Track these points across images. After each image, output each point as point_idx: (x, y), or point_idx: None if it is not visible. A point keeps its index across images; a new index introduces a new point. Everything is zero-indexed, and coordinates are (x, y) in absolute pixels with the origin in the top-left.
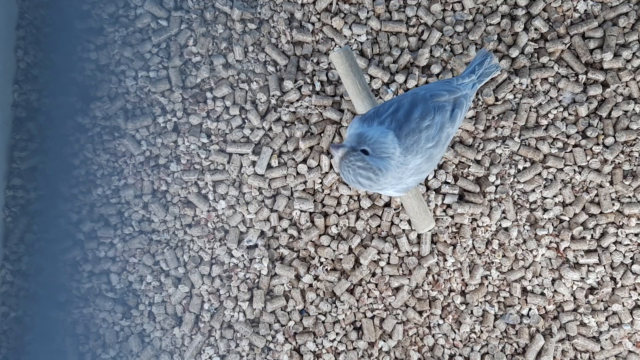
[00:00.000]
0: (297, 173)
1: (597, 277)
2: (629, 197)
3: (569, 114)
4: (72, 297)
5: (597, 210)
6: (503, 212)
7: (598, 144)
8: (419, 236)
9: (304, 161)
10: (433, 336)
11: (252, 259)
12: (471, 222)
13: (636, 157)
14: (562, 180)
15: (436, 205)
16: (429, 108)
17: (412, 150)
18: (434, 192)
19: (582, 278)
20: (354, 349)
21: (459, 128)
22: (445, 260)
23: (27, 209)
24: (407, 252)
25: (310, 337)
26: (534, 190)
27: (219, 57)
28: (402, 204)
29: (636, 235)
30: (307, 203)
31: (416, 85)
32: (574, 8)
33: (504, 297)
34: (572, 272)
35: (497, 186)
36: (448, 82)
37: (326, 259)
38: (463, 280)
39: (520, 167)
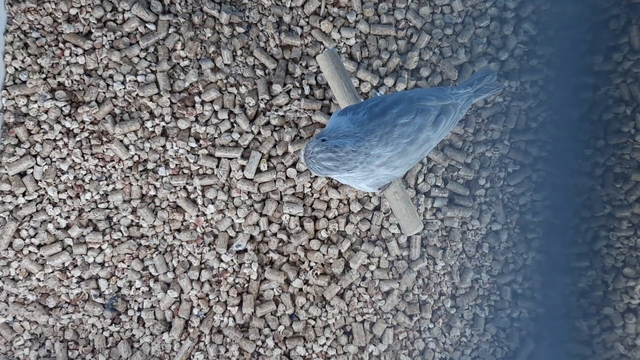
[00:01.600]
0: (287, 177)
1: (589, 281)
2: (620, 199)
3: (559, 117)
4: (61, 303)
5: (588, 213)
6: (493, 215)
7: (589, 147)
8: (408, 240)
9: (293, 165)
10: (424, 340)
11: (242, 264)
12: (461, 226)
13: (627, 160)
14: (553, 183)
15: (426, 209)
16: (411, 108)
17: (381, 139)
18: (423, 196)
19: (574, 281)
20: (344, 353)
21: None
22: (436, 264)
23: (16, 214)
24: (397, 256)
25: (300, 341)
26: (523, 193)
27: (208, 61)
28: (391, 208)
29: (627, 238)
30: (297, 207)
31: (405, 89)
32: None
33: (495, 301)
34: (563, 276)
35: (487, 189)
36: (441, 89)
37: (316, 263)
38: (453, 283)
39: (510, 170)
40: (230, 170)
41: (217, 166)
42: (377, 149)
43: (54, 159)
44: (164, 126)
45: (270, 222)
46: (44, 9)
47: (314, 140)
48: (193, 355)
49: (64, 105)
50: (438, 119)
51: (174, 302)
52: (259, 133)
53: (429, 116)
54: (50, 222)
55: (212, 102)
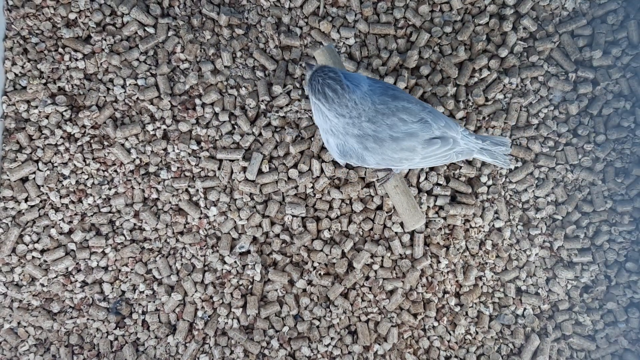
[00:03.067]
0: (288, 178)
1: (592, 276)
2: (622, 194)
3: (560, 113)
4: (65, 308)
5: (589, 208)
6: (495, 212)
7: (589, 142)
8: (411, 239)
9: (295, 166)
10: (428, 338)
11: (245, 265)
12: (464, 223)
13: (628, 155)
14: (554, 179)
15: (428, 207)
16: (418, 113)
17: (375, 116)
18: (425, 194)
19: (577, 277)
20: (349, 353)
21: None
22: (439, 262)
23: (18, 220)
24: (400, 255)
25: (305, 342)
26: (526, 190)
27: (207, 63)
28: (393, 207)
29: (629, 232)
30: (299, 208)
31: (406, 87)
32: (562, 6)
33: (499, 298)
34: (566, 271)
35: (489, 187)
36: (455, 122)
37: (319, 263)
38: (457, 281)
39: (511, 166)
40: (232, 172)
41: (219, 168)
42: (365, 121)
43: (55, 164)
44: (165, 129)
45: (272, 223)
46: (43, 14)
47: (333, 68)
48: (198, 358)
49: (65, 110)
50: (433, 140)
51: (178, 305)
52: (260, 134)
53: (428, 131)
54: (53, 227)
55: (212, 104)
